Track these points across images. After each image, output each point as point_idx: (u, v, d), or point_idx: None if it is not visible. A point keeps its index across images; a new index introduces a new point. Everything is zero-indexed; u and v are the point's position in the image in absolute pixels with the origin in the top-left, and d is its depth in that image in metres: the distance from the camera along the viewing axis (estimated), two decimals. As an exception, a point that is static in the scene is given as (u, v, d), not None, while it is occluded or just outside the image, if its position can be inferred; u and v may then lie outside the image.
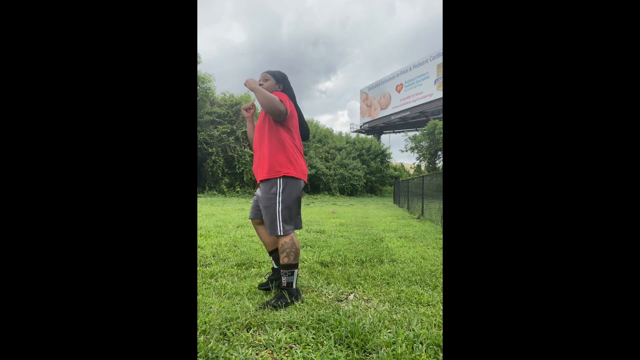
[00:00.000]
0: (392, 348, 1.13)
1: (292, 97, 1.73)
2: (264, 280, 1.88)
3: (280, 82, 1.73)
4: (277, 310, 1.45)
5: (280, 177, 1.55)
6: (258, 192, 1.69)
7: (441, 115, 22.47)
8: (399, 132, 31.73)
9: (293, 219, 1.61)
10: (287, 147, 1.58)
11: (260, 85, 1.68)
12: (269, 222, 1.56)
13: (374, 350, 1.13)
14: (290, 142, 1.61)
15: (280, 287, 1.60)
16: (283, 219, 1.54)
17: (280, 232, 1.52)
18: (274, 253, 1.78)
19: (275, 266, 1.79)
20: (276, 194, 1.54)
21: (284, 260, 1.54)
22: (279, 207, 1.54)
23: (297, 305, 1.52)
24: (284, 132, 1.59)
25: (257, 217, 1.76)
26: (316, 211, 8.31)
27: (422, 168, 25.15)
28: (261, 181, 1.60)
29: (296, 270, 1.57)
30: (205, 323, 1.30)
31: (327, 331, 1.26)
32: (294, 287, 1.58)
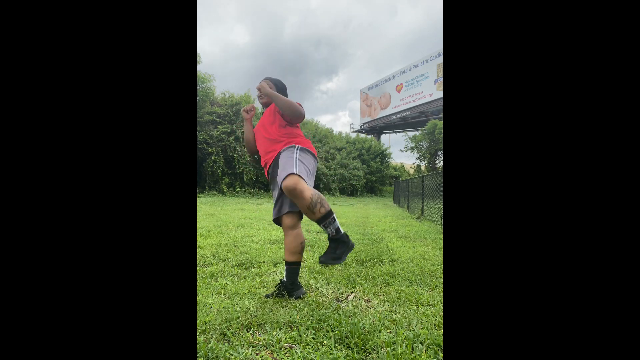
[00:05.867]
0: (392, 348, 1.13)
1: None
2: (272, 291, 1.70)
3: (281, 91, 1.80)
4: (340, 261, 1.50)
5: (297, 146, 1.67)
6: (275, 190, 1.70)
7: (441, 115, 22.47)
8: (399, 132, 31.72)
9: (309, 183, 1.56)
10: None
11: None
12: (282, 166, 1.55)
13: (374, 350, 1.13)
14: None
15: (330, 238, 1.54)
16: (299, 165, 1.55)
17: (295, 170, 1.49)
18: (292, 265, 1.63)
19: (284, 279, 1.65)
20: (295, 151, 1.63)
21: (320, 211, 1.46)
22: (296, 157, 1.59)
23: (297, 305, 1.53)
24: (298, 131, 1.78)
25: (281, 213, 1.66)
26: (316, 211, 8.28)
27: (422, 168, 25.14)
28: (279, 153, 1.67)
29: (334, 215, 1.50)
30: (205, 323, 1.30)
31: (327, 331, 1.26)
32: (342, 231, 1.54)
